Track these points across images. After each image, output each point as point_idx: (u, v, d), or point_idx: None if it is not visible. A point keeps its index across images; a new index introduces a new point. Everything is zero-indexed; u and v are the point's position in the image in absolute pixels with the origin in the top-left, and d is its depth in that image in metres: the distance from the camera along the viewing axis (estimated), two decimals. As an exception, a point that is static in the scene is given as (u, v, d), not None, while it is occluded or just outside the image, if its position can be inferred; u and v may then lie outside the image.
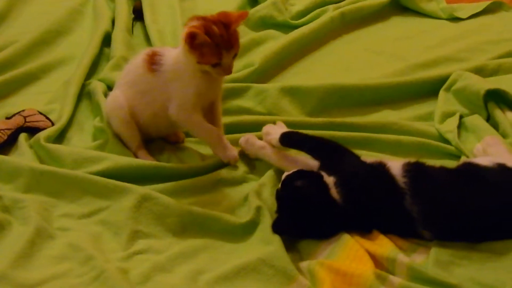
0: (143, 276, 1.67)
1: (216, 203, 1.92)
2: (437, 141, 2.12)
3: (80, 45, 2.68)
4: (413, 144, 2.12)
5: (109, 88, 2.37)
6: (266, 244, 1.74)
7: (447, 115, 2.21)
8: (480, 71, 2.39)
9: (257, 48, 2.69)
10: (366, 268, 1.61)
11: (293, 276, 1.64)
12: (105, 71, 2.50)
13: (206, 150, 2.12)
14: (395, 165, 1.76)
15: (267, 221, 1.79)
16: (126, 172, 1.99)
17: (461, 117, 2.20)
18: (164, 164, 2.05)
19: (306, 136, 1.94)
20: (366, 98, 2.36)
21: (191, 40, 1.83)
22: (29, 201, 1.89)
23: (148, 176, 2.00)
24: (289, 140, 1.95)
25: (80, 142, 2.22)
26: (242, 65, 2.55)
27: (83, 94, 2.42)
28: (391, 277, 1.60)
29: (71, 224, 1.86)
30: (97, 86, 2.38)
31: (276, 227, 1.74)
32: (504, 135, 2.07)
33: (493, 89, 2.18)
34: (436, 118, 2.22)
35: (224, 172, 2.03)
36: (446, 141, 2.11)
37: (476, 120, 2.16)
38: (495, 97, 2.19)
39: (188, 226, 1.83)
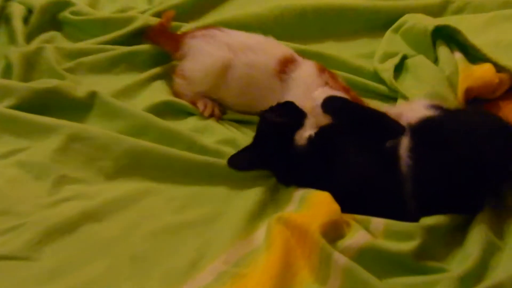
0: (70, 224, 1.54)
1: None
2: (372, 81, 2.06)
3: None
4: (348, 81, 2.01)
5: (30, 11, 2.24)
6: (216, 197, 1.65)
7: (389, 56, 2.13)
8: (444, 8, 2.33)
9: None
10: (324, 221, 1.47)
11: (242, 234, 1.53)
12: (26, -7, 2.32)
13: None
14: (405, 139, 1.56)
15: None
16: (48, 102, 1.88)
17: (405, 58, 2.11)
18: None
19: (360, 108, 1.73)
20: (311, 24, 2.28)
21: None
22: None
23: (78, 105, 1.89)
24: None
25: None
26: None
27: (1, 18, 2.26)
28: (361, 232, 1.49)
29: (-15, 166, 1.74)
30: (16, 9, 2.25)
31: (232, 161, 1.67)
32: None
33: (443, 25, 2.07)
34: (376, 57, 2.15)
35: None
36: (382, 81, 2.05)
37: (418, 60, 2.08)
38: (448, 39, 2.09)
39: (124, 170, 1.71)
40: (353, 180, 1.58)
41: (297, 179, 1.64)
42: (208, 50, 1.96)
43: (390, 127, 1.61)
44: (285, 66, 1.89)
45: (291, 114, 1.70)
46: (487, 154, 1.50)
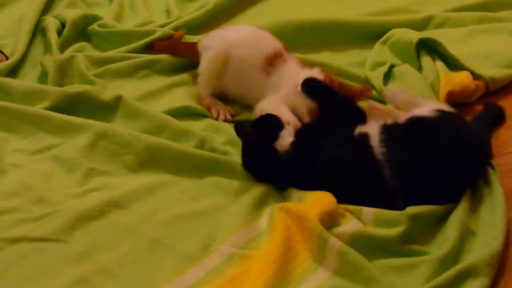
0: (97, 211, 1.53)
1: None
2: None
3: (35, -19, 2.44)
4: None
5: (63, 25, 2.21)
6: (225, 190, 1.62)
7: (378, 64, 2.04)
8: (427, 23, 2.24)
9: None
10: (321, 211, 1.46)
11: (248, 220, 1.51)
12: (60, 8, 2.32)
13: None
14: (374, 131, 1.56)
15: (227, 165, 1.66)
16: (79, 104, 1.87)
17: (392, 67, 2.04)
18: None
19: (332, 91, 1.71)
20: (309, 37, 2.20)
21: None
22: (-21, 135, 1.75)
23: (105, 107, 1.86)
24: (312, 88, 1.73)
25: (34, 79, 2.04)
26: (197, 6, 2.38)
27: (38, 30, 2.22)
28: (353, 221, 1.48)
29: (23, 160, 1.71)
30: (50, 23, 2.19)
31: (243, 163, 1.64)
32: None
33: (426, 38, 2.01)
34: (367, 66, 2.05)
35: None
36: (373, 87, 1.94)
37: (404, 68, 2.01)
38: (431, 50, 2.02)
39: (145, 164, 1.68)
40: (335, 172, 1.56)
41: (288, 181, 1.60)
42: (211, 46, 1.92)
43: (354, 112, 1.64)
44: (272, 60, 1.84)
45: (268, 127, 1.64)
46: (470, 150, 1.52)
